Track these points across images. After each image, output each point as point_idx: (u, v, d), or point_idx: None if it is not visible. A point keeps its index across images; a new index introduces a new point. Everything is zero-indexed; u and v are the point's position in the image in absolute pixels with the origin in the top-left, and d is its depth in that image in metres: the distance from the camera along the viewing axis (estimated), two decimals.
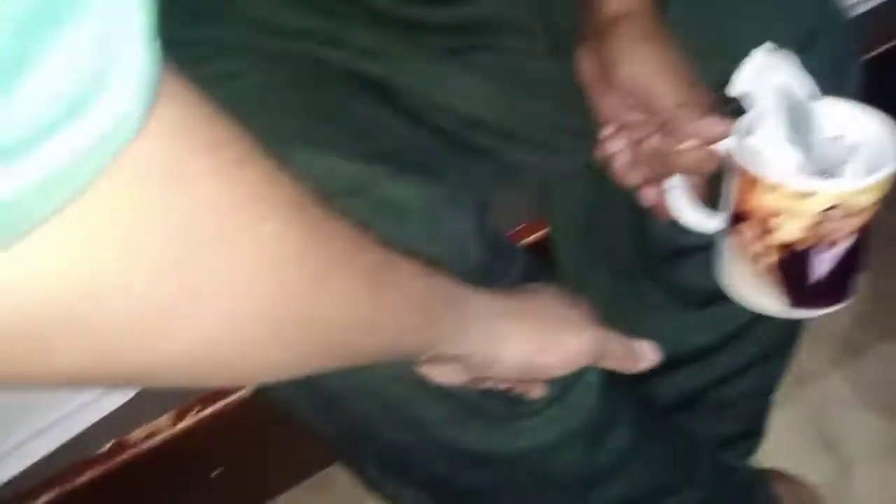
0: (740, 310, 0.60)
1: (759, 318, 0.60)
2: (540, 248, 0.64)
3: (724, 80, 0.44)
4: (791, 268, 0.42)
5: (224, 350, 0.26)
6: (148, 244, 0.21)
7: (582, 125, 0.51)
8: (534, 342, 0.41)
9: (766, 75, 0.42)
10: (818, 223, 0.40)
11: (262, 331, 0.27)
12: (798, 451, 0.83)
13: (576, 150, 0.54)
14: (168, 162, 0.21)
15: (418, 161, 0.48)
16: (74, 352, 0.22)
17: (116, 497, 0.60)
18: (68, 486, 0.58)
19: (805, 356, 0.89)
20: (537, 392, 0.46)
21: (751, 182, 0.41)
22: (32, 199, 0.17)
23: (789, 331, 0.65)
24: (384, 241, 0.36)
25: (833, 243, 0.41)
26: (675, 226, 0.56)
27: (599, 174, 0.58)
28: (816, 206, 0.40)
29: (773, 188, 0.40)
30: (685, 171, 0.46)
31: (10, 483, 0.57)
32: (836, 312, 0.91)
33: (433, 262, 0.38)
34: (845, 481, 0.82)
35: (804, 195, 0.40)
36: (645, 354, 0.47)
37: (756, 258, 0.43)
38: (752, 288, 0.44)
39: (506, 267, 0.48)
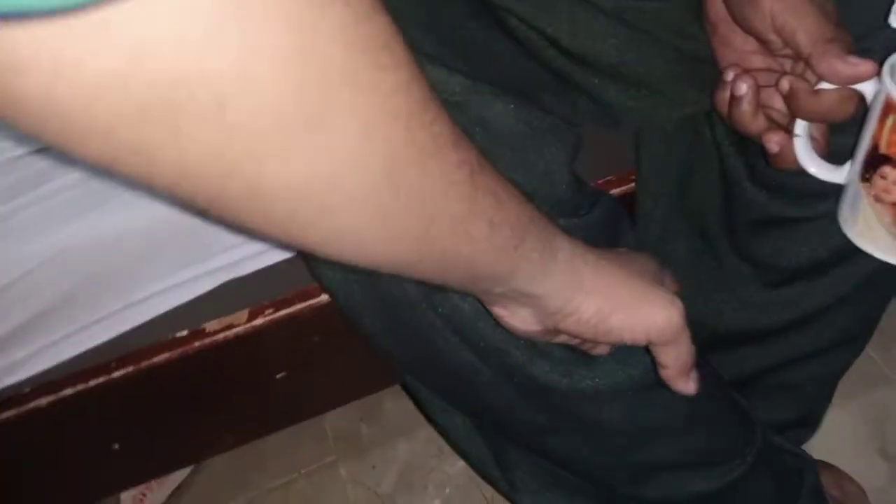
0: (823, 291, 0.59)
1: (841, 302, 0.60)
2: (626, 202, 0.63)
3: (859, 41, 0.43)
4: None
5: (327, 194, 0.27)
6: (282, 58, 0.22)
7: (692, 72, 0.50)
8: (613, 301, 0.41)
9: None
10: None
11: (364, 184, 0.27)
12: (854, 453, 0.81)
13: (681, 98, 0.53)
14: None
15: (522, 89, 0.48)
16: (198, 143, 0.23)
17: (186, 381, 0.63)
18: (143, 364, 0.61)
19: (878, 359, 0.87)
20: (601, 351, 0.46)
21: None
22: None
23: (865, 319, 0.64)
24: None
25: None
26: (766, 194, 0.55)
27: (696, 130, 0.57)
28: None
29: None
30: (820, 114, 0.44)
31: (88, 354, 0.61)
32: None
33: (529, 195, 0.37)
34: None
35: None
36: (690, 380, 0.45)
37: (894, 205, 0.41)
38: (882, 236, 0.43)
39: (589, 204, 0.48)
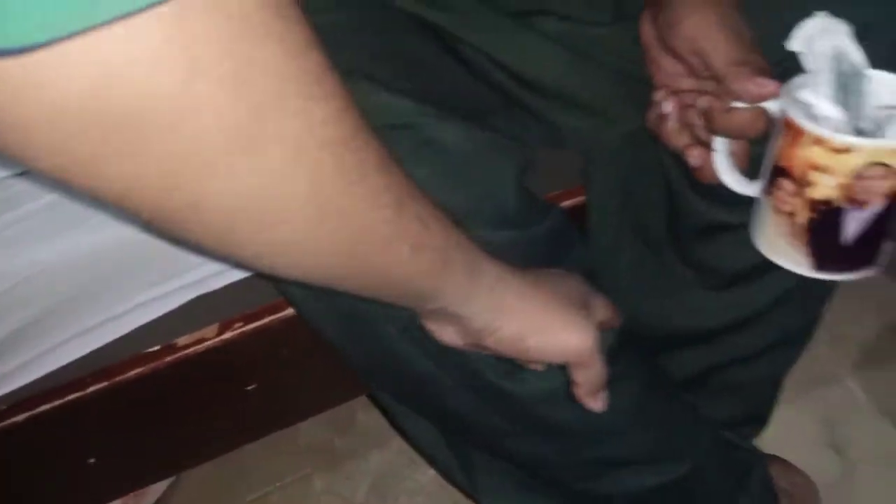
0: (761, 293, 0.63)
1: (778, 303, 0.63)
2: (576, 214, 0.66)
3: (780, 64, 0.46)
4: (822, 226, 0.43)
5: (259, 212, 0.29)
6: (221, 83, 0.24)
7: (633, 93, 0.53)
8: (531, 325, 0.43)
9: (822, 39, 0.43)
10: (854, 181, 0.41)
11: (293, 204, 0.30)
12: (806, 448, 0.85)
13: (624, 118, 0.56)
14: (247, 7, 0.24)
15: (470, 109, 0.51)
16: (142, 160, 0.25)
17: (160, 395, 0.65)
18: (117, 379, 0.63)
19: (828, 358, 0.91)
20: (534, 367, 0.48)
21: (795, 136, 0.42)
22: None
23: (807, 318, 0.67)
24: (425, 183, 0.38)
25: (865, 204, 0.42)
26: (708, 200, 0.58)
27: (640, 146, 0.60)
28: (854, 162, 0.41)
29: (816, 141, 0.41)
30: (734, 131, 0.47)
31: (63, 370, 0.63)
32: (865, 321, 0.93)
33: (460, 221, 0.40)
34: (848, 483, 0.84)
35: (844, 150, 0.41)
36: (599, 399, 0.48)
37: (790, 215, 0.44)
38: (783, 246, 0.46)
39: (539, 218, 0.51)
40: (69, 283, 0.61)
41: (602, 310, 0.47)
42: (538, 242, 0.51)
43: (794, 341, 0.68)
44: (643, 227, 0.64)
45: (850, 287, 0.85)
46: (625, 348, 0.54)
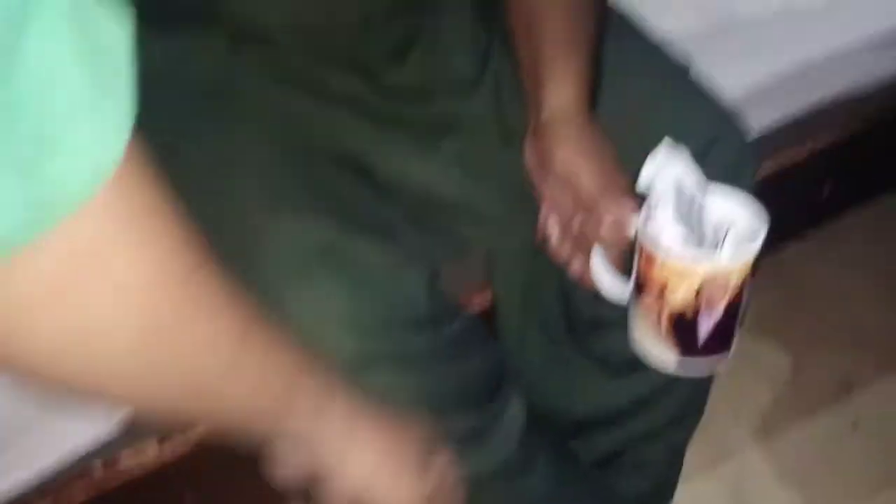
0: (652, 378, 0.70)
1: (668, 386, 0.71)
2: (487, 313, 0.73)
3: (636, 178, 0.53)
4: (681, 328, 0.51)
5: (89, 349, 0.30)
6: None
7: (526, 207, 0.60)
8: (369, 471, 0.46)
9: (665, 169, 0.51)
10: (700, 291, 0.49)
11: (123, 343, 0.30)
12: None
13: (518, 228, 0.63)
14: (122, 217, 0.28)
15: (383, 229, 0.57)
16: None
17: None
18: (62, 498, 0.65)
19: (727, 433, 0.98)
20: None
21: (648, 258, 0.50)
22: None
23: (698, 393, 0.74)
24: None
25: (713, 307, 0.50)
26: (596, 299, 0.65)
27: (535, 251, 0.68)
28: (697, 278, 0.49)
29: (664, 264, 0.49)
30: (604, 244, 0.54)
31: (5, 494, 0.65)
32: (758, 394, 1.01)
33: (314, 355, 0.42)
34: None
35: (687, 270, 0.49)
36: None
37: (655, 320, 0.51)
38: (652, 345, 0.53)
39: (450, 320, 0.57)
40: (11, 407, 0.64)
41: (440, 474, 0.50)
42: (451, 342, 0.57)
43: (688, 416, 0.75)
44: (544, 324, 0.71)
45: (743, 362, 0.93)
46: (532, 434, 0.60)
